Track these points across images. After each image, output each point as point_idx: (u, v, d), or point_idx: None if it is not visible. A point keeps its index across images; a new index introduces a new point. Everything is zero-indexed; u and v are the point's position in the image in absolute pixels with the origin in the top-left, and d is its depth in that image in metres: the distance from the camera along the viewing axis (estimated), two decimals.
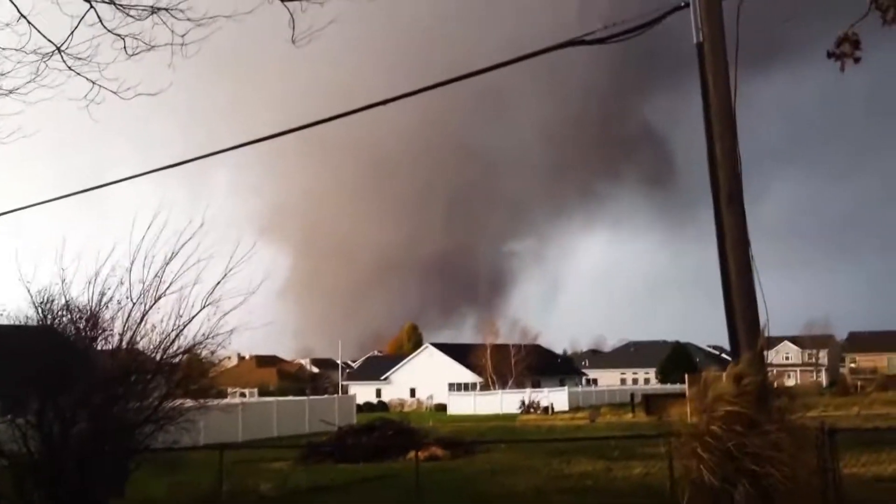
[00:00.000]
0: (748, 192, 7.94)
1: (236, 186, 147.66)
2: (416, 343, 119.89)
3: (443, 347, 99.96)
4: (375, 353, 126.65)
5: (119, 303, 16.02)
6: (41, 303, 15.91)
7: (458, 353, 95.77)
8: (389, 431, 30.71)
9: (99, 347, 16.53)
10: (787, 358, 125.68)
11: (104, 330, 16.11)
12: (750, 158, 7.87)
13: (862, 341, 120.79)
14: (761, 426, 7.36)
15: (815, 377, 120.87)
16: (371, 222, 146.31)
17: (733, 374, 7.74)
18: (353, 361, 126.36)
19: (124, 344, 16.31)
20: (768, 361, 8.48)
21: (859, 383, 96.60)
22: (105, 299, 15.90)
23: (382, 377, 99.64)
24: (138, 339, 16.35)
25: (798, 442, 7.71)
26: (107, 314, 16.07)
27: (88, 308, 15.91)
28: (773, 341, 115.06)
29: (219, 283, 16.70)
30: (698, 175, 7.73)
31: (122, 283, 15.91)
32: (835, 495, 10.09)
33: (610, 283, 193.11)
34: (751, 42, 8.00)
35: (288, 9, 7.21)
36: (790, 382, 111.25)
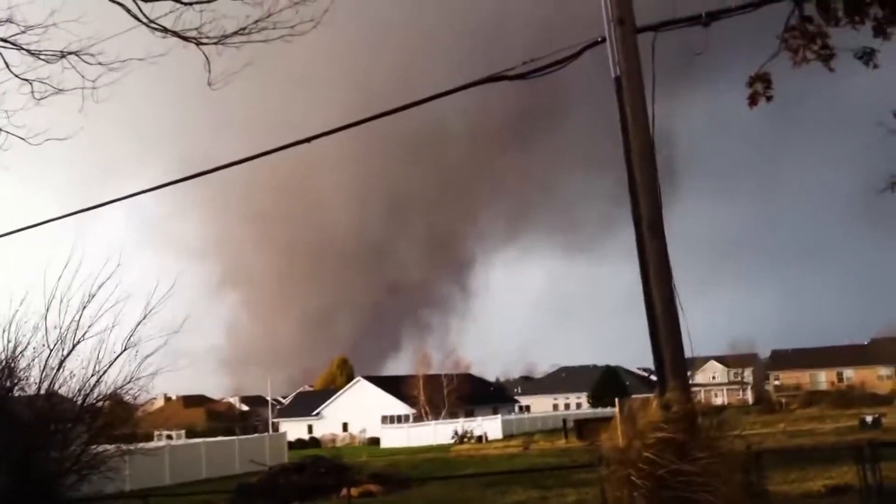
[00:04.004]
0: (668, 220, 8.05)
1: (153, 223, 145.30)
2: (347, 376, 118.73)
3: (374, 380, 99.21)
4: (306, 388, 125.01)
5: (35, 350, 15.53)
6: None
7: (391, 385, 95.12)
8: (322, 469, 30.21)
9: (16, 397, 15.97)
10: (713, 377, 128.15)
11: (20, 379, 15.57)
12: (668, 183, 7.98)
13: (785, 359, 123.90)
14: (692, 453, 7.41)
15: (741, 395, 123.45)
16: (299, 255, 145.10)
17: (663, 402, 7.78)
18: (284, 398, 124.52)
19: (42, 392, 15.79)
20: (695, 381, 8.59)
21: (784, 400, 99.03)
22: (20, 348, 15.39)
23: (314, 413, 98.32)
24: (57, 386, 15.87)
25: (728, 466, 7.78)
26: (22, 362, 15.55)
27: (3, 357, 15.37)
28: (699, 361, 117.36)
29: (139, 324, 16.38)
30: (622, 197, 7.83)
31: (36, 330, 15.44)
32: None
33: (539, 308, 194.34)
34: (668, 74, 8.17)
35: (203, 52, 7.10)
36: (718, 401, 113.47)
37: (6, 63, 7.50)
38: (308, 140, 9.92)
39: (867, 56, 7.32)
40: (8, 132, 7.94)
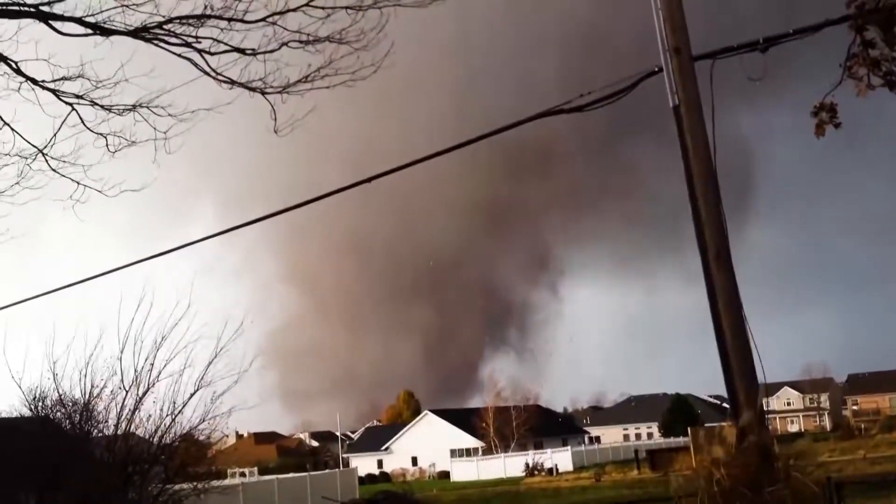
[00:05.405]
0: (735, 246, 7.96)
1: (220, 265, 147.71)
2: (414, 410, 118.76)
3: (442, 413, 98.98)
4: (374, 422, 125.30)
5: (111, 392, 15.91)
6: (33, 399, 15.79)
7: (458, 418, 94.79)
8: None
9: (94, 438, 16.34)
10: (788, 404, 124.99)
11: (98, 422, 15.95)
12: (733, 209, 7.95)
13: (862, 383, 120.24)
14: (766, 485, 7.25)
15: (818, 422, 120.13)
16: (363, 289, 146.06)
17: (733, 435, 7.64)
18: (353, 432, 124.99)
19: (119, 433, 16.15)
20: (769, 408, 8.41)
21: (863, 425, 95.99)
22: (97, 390, 15.78)
23: (383, 447, 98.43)
24: (133, 427, 16.21)
25: (806, 497, 7.59)
26: (100, 405, 15.93)
27: (82, 400, 15.77)
28: (773, 387, 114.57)
29: (210, 363, 16.68)
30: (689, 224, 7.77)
31: (113, 373, 15.82)
32: None
33: (607, 336, 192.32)
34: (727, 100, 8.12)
35: (269, 101, 7.33)
36: (794, 428, 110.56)
37: (81, 118, 7.83)
38: (369, 180, 10.10)
39: None
40: (86, 185, 8.27)
